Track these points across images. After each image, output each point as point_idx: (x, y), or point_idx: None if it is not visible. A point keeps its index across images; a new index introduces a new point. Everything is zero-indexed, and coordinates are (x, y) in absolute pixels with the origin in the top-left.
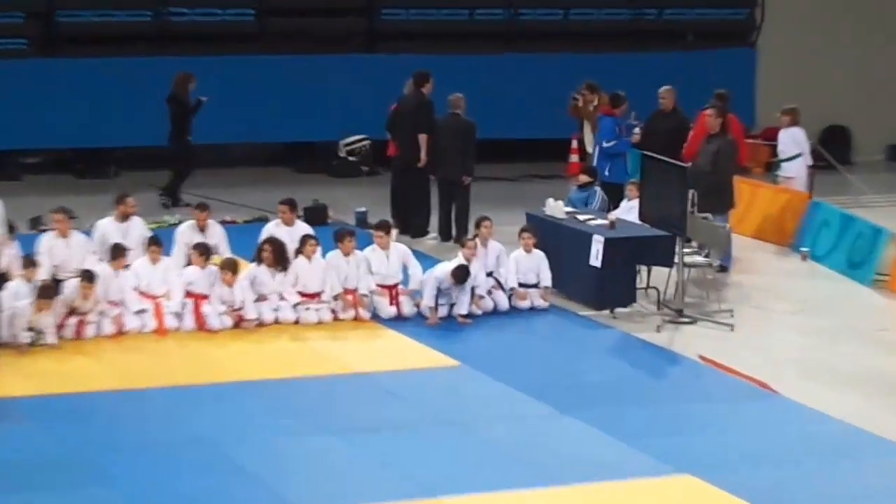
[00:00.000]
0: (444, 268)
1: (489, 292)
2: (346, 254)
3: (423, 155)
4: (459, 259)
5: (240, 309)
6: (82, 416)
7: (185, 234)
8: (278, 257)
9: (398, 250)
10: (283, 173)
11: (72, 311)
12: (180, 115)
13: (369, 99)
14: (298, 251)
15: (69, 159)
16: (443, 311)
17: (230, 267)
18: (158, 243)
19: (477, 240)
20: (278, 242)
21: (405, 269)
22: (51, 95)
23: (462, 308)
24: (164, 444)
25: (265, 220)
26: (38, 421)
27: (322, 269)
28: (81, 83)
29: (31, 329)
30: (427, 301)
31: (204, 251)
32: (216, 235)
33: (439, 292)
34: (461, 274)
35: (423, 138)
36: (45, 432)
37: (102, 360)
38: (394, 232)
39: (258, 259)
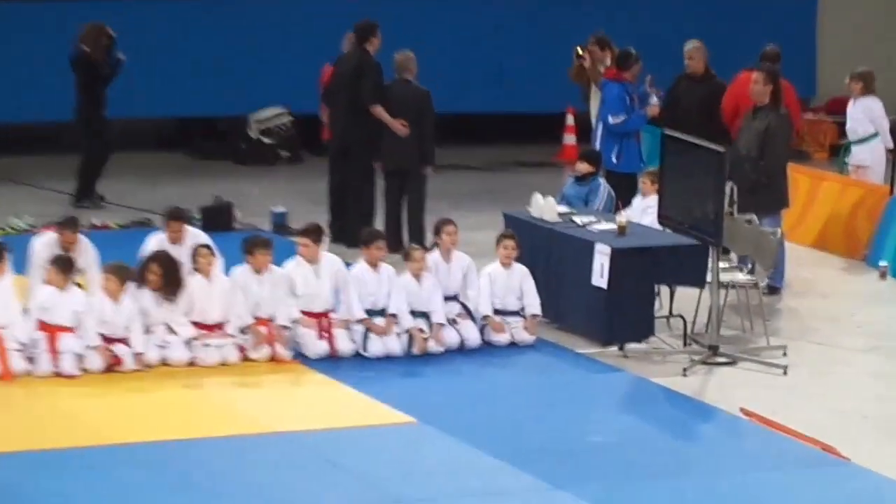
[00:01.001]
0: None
1: (453, 321)
2: (259, 270)
3: (398, 124)
4: (408, 279)
5: (121, 340)
6: None
7: (43, 252)
8: (169, 279)
9: (331, 265)
10: (175, 160)
11: None
12: (93, 82)
13: (290, 60)
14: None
15: None
16: (394, 347)
17: (117, 273)
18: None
19: (437, 250)
20: (169, 259)
21: (339, 291)
22: None
23: (396, 311)
24: None
25: (149, 226)
26: None
27: (225, 292)
28: None
29: None
30: (356, 313)
31: (64, 266)
32: (88, 259)
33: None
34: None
35: (377, 110)
36: None
37: None
38: (325, 240)
39: (140, 280)
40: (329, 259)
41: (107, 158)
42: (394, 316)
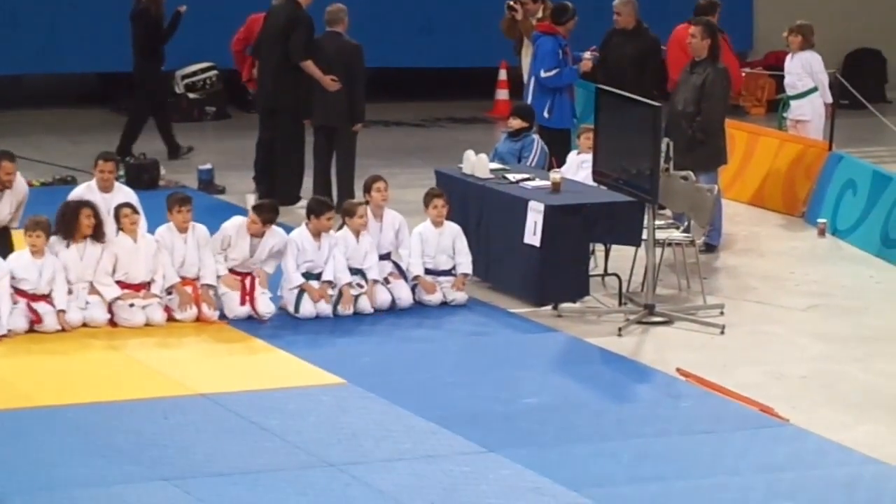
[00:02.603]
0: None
1: (385, 281)
2: (182, 229)
3: (328, 80)
4: (346, 234)
5: (46, 297)
6: None
7: None
8: (98, 224)
9: (273, 239)
10: (98, 116)
11: None
12: (154, 39)
13: (217, 13)
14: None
15: None
16: (325, 307)
17: (44, 228)
18: None
19: (367, 208)
20: (96, 209)
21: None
22: None
23: (372, 272)
24: None
25: (72, 183)
26: None
27: (150, 252)
28: None
29: None
30: (293, 281)
31: None
32: (19, 194)
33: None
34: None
35: (308, 65)
36: None
37: None
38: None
39: (67, 231)
40: (274, 233)
41: (166, 116)
42: (329, 282)
